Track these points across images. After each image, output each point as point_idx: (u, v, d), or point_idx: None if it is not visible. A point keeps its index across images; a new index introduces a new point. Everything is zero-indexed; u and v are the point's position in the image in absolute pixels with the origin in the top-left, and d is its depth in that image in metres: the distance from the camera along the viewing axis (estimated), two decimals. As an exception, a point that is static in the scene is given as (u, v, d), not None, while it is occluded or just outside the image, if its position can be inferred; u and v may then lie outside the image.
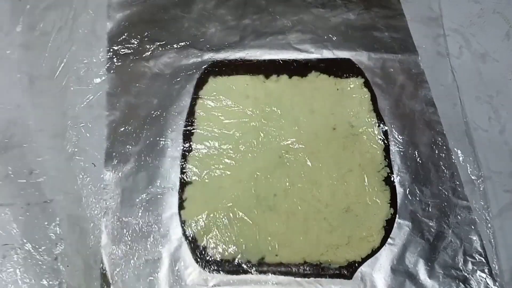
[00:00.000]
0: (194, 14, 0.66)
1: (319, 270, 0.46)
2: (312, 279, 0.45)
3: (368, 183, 0.50)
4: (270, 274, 0.45)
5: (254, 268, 0.46)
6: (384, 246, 0.47)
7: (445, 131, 0.55)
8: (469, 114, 0.58)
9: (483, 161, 0.54)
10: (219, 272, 0.45)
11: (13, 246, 0.47)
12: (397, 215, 0.49)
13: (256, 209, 0.49)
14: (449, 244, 0.47)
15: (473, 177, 0.52)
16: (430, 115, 0.56)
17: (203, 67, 0.60)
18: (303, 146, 0.53)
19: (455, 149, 0.54)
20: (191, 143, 0.54)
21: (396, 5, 0.67)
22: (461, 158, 0.53)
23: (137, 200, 0.50)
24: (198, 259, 0.46)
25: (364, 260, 0.46)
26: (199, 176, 0.51)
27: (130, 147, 0.53)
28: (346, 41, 0.63)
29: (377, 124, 0.55)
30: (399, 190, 0.51)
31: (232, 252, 0.46)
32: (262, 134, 0.54)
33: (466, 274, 0.45)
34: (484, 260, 0.46)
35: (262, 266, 0.46)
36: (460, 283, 0.45)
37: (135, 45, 0.62)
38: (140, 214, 0.49)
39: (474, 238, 0.47)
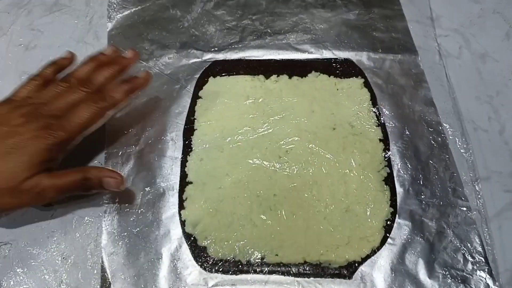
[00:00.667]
0: (194, 14, 0.66)
1: (319, 270, 0.46)
2: (312, 279, 0.45)
3: (368, 183, 0.50)
4: (270, 274, 0.45)
5: (254, 268, 0.46)
6: (384, 246, 0.47)
7: (445, 131, 0.55)
8: (469, 114, 0.58)
9: (483, 161, 0.54)
10: (219, 272, 0.45)
11: (12, 245, 0.47)
12: (397, 215, 0.49)
13: (256, 209, 0.49)
14: (449, 244, 0.47)
15: (473, 177, 0.52)
16: (430, 115, 0.56)
17: (203, 67, 0.61)
18: (303, 146, 0.53)
19: (455, 149, 0.54)
20: (191, 143, 0.54)
21: (396, 5, 0.67)
22: (461, 158, 0.53)
23: (137, 200, 0.50)
24: (198, 259, 0.46)
25: (364, 260, 0.46)
26: (199, 176, 0.51)
27: (130, 147, 0.53)
28: (346, 41, 0.63)
29: (377, 124, 0.55)
30: (399, 190, 0.51)
31: (232, 252, 0.46)
32: (262, 134, 0.54)
33: (466, 274, 0.45)
34: (484, 260, 0.46)
35: (262, 266, 0.46)
36: (460, 283, 0.45)
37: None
38: (140, 214, 0.49)
39: (474, 238, 0.47)
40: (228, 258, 0.46)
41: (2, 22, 0.66)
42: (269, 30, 0.64)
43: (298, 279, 0.45)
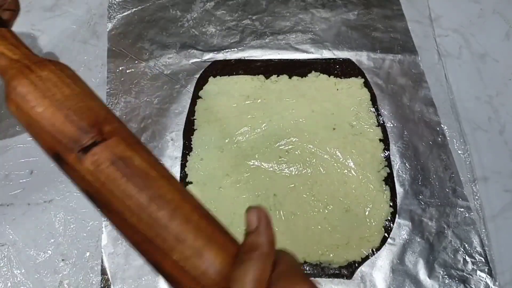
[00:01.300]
0: (194, 14, 0.66)
1: (319, 270, 0.46)
2: (312, 279, 0.45)
3: (368, 183, 0.50)
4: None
5: (254, 268, 0.46)
6: (384, 246, 0.47)
7: (444, 131, 0.55)
8: (469, 114, 0.58)
9: (483, 161, 0.54)
10: (219, 272, 0.45)
11: (12, 246, 0.47)
12: (397, 215, 0.49)
13: (256, 209, 0.48)
14: (448, 244, 0.47)
15: (473, 177, 0.52)
16: (430, 115, 0.56)
17: (203, 67, 0.61)
18: (302, 146, 0.53)
19: (455, 149, 0.54)
20: (191, 143, 0.54)
21: (396, 5, 0.67)
22: (460, 158, 0.53)
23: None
24: (198, 259, 0.46)
25: (364, 260, 0.46)
26: (199, 176, 0.51)
27: (130, 147, 0.53)
28: (346, 41, 0.63)
29: (376, 124, 0.55)
30: (399, 190, 0.51)
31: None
32: (262, 134, 0.54)
33: (466, 274, 0.45)
34: (484, 260, 0.46)
35: (262, 266, 0.46)
36: (460, 283, 0.45)
37: (135, 45, 0.62)
38: (140, 214, 0.49)
39: (474, 238, 0.47)
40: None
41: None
42: (269, 30, 0.64)
43: (298, 279, 0.45)
